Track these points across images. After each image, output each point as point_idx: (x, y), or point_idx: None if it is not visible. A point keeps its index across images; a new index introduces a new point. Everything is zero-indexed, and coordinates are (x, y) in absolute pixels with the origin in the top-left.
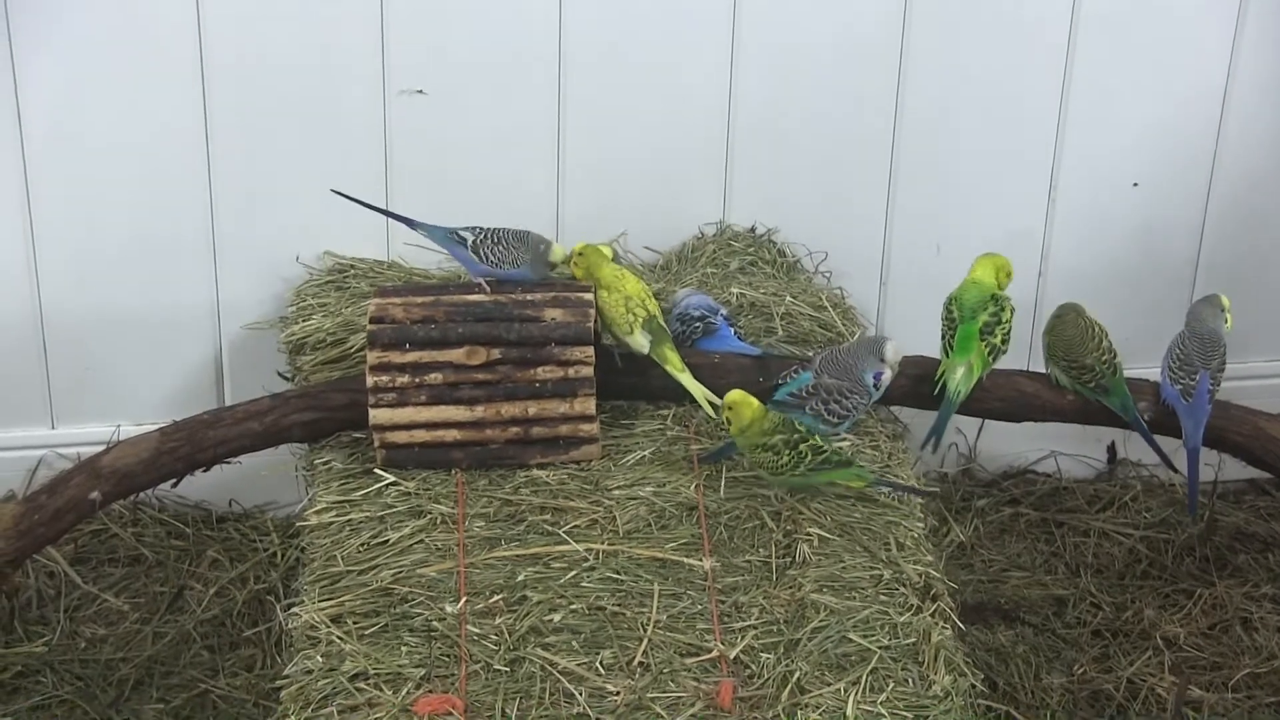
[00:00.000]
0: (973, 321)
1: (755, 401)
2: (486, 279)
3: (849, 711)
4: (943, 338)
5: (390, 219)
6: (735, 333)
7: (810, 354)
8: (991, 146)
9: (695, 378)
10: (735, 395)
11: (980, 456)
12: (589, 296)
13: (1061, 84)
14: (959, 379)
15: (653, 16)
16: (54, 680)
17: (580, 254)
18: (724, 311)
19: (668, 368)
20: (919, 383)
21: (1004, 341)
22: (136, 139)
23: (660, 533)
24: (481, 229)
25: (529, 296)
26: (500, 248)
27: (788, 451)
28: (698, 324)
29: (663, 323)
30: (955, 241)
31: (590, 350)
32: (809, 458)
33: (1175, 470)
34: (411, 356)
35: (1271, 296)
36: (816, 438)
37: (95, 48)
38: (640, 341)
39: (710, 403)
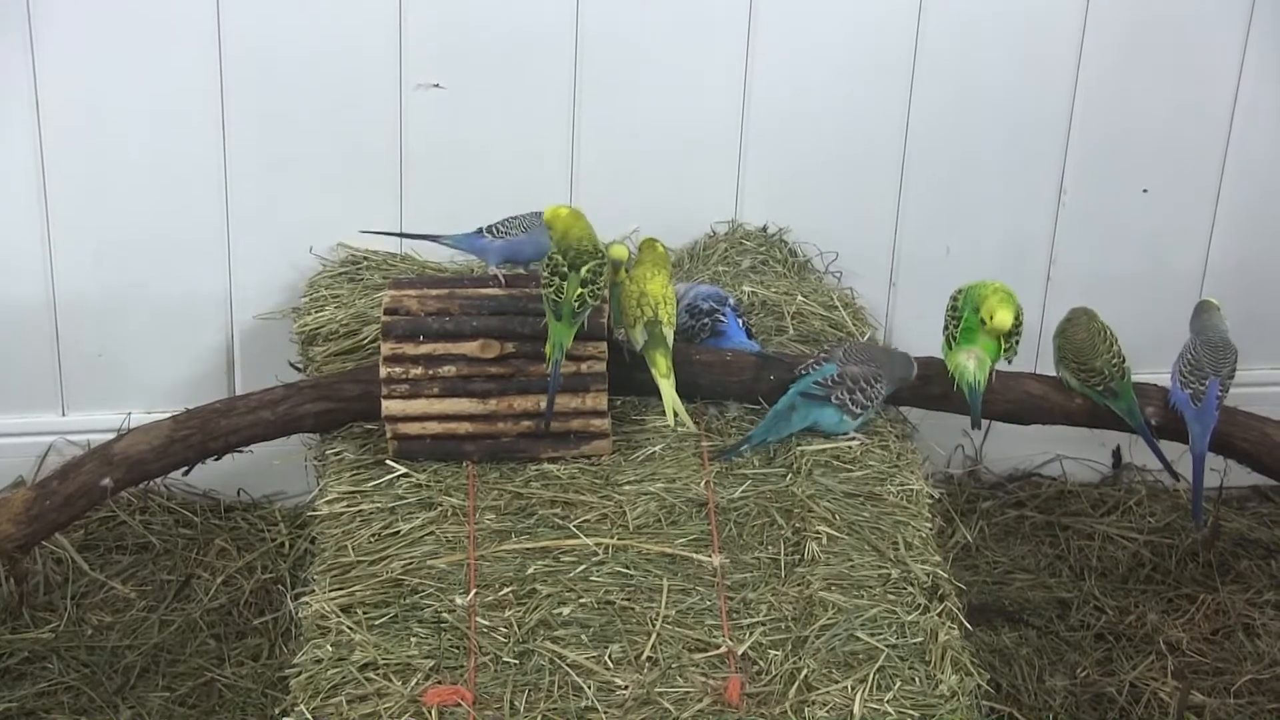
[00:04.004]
0: (976, 314)
1: (575, 226)
2: (502, 266)
3: (856, 709)
4: (945, 329)
5: (417, 239)
6: (744, 325)
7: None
8: (1002, 149)
9: (706, 375)
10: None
11: (986, 459)
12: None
13: (1072, 88)
14: (972, 370)
15: (669, 15)
16: (60, 667)
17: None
18: (732, 302)
19: (653, 370)
20: (927, 383)
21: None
22: (152, 127)
23: (670, 528)
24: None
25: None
26: (509, 220)
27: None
28: (706, 319)
29: (665, 332)
30: (965, 244)
31: (603, 346)
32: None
33: (1176, 477)
34: (425, 348)
35: (1279, 303)
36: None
37: (113, 36)
38: (637, 337)
39: (676, 415)
